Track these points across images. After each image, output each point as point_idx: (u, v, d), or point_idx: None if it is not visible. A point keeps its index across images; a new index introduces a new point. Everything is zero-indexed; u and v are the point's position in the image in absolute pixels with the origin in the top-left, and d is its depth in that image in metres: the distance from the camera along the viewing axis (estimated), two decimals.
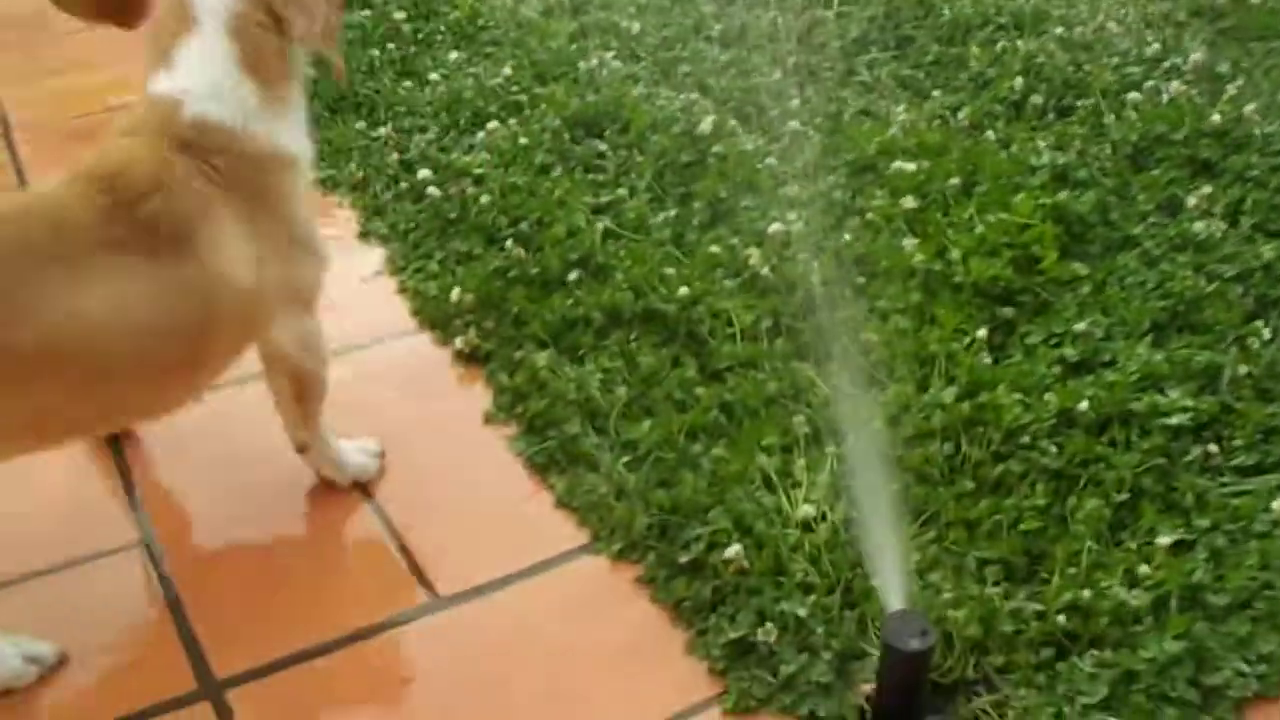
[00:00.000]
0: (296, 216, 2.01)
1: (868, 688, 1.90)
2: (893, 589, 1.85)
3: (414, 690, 1.94)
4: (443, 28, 3.70)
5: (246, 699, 1.92)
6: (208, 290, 1.86)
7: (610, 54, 3.50)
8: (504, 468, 2.33)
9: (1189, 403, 2.30)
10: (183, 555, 2.16)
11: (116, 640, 2.01)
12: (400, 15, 3.74)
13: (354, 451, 2.29)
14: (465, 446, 2.39)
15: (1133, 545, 2.08)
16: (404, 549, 2.17)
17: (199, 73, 1.91)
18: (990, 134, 3.13)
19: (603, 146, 3.13)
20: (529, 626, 2.04)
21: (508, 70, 3.42)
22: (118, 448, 2.37)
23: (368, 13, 3.79)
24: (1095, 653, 1.91)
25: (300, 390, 2.15)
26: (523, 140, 3.10)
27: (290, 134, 1.99)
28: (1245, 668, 1.89)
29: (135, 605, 2.07)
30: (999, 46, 3.50)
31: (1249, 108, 3.13)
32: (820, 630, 1.95)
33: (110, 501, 2.27)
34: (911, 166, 2.94)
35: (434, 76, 3.43)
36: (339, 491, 2.27)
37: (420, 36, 3.67)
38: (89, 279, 1.76)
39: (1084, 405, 2.29)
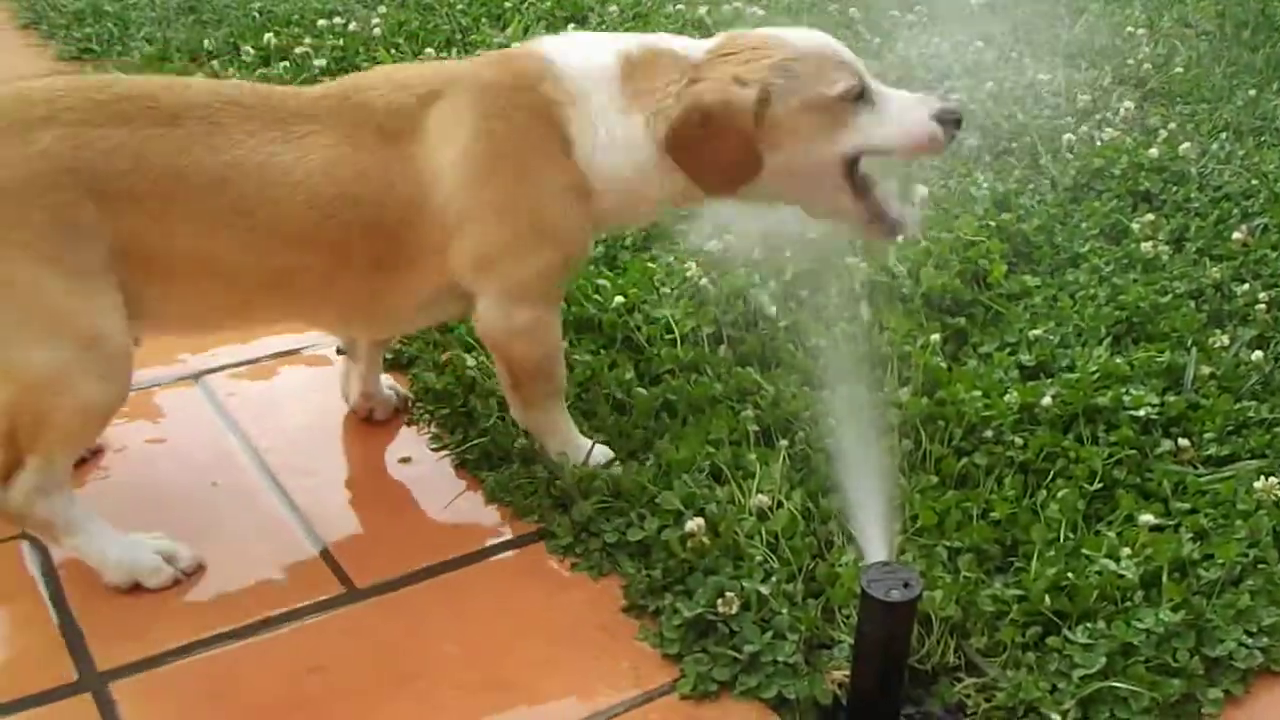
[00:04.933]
0: (549, 209, 1.94)
1: (840, 674, 1.70)
2: (874, 541, 1.67)
3: (324, 680, 1.70)
4: None
5: (132, 690, 1.68)
6: (406, 183, 1.88)
7: None
8: (429, 466, 2.13)
9: (1154, 399, 2.19)
10: None
11: None
12: (320, 65, 3.63)
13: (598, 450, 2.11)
14: (388, 447, 2.19)
15: (1111, 532, 1.93)
16: (319, 543, 1.95)
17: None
18: (928, 171, 3.07)
19: None
20: (458, 618, 1.82)
21: None
22: None
23: (287, 64, 3.68)
24: (1088, 625, 1.74)
25: (512, 374, 2.03)
26: None
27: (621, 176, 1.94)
28: (1248, 640, 1.75)
29: (16, 598, 1.84)
30: None
31: (1184, 146, 3.12)
32: (784, 612, 1.76)
33: None
34: None
35: None
36: (245, 485, 2.06)
37: None
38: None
39: (1047, 400, 2.17)
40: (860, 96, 1.91)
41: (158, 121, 1.78)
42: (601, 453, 2.08)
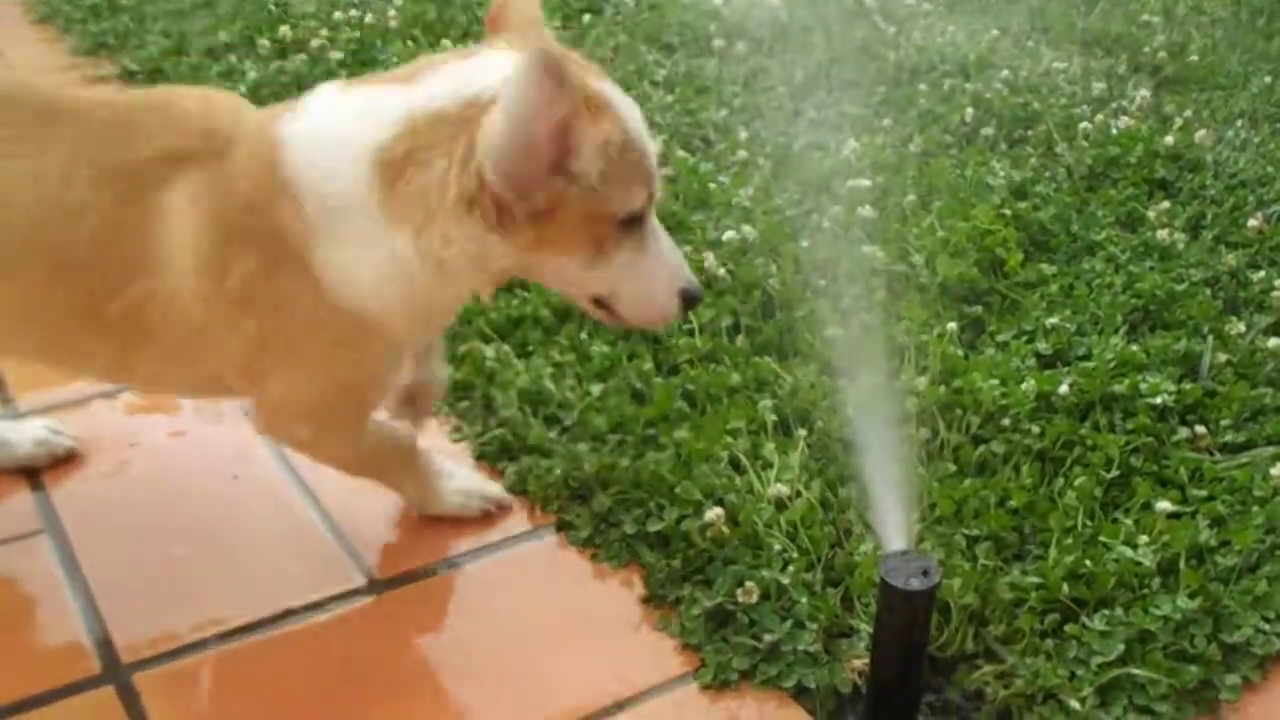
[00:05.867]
0: (311, 344, 1.67)
1: (860, 663, 1.71)
2: (893, 529, 1.68)
3: (346, 672, 1.72)
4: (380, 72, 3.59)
5: (155, 682, 1.70)
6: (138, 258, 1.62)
7: None
8: (449, 459, 2.13)
9: (1171, 387, 2.20)
10: (91, 539, 1.95)
11: (13, 623, 1.80)
12: (336, 57, 3.64)
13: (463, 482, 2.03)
14: None
15: (1128, 519, 1.94)
16: (340, 535, 1.97)
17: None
18: (944, 159, 3.07)
19: None
20: (478, 609, 1.84)
21: None
22: None
23: (303, 57, 3.69)
24: (1106, 612, 1.75)
25: None
26: None
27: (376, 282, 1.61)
28: (1265, 626, 1.75)
29: (38, 591, 1.86)
30: (946, 86, 3.49)
31: (1200, 133, 3.12)
32: (804, 601, 1.78)
33: (12, 486, 2.06)
34: (866, 183, 2.86)
35: None
36: (266, 477, 2.08)
37: None
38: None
39: (1064, 389, 2.18)
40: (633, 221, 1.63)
41: None
42: (464, 485, 2.02)
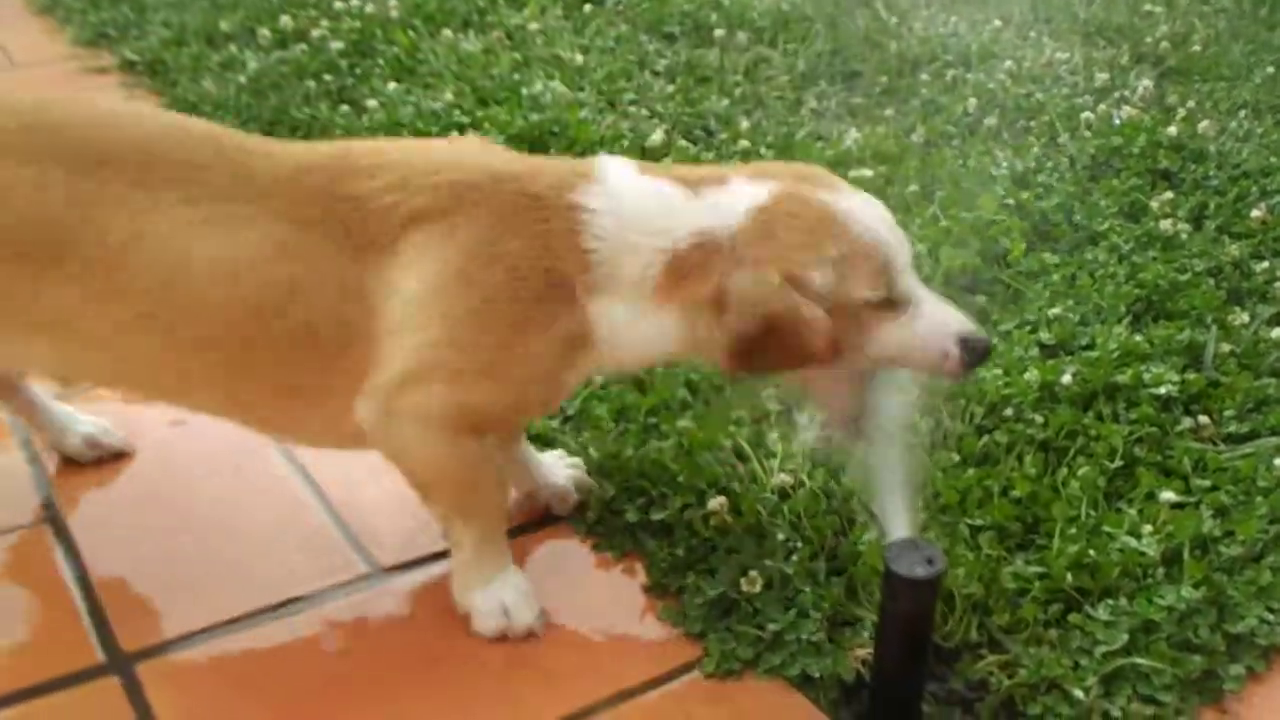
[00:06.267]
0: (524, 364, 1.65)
1: (863, 652, 1.71)
2: (897, 517, 1.67)
3: (350, 661, 1.72)
4: (381, 62, 3.59)
5: (158, 672, 1.70)
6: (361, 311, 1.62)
7: (554, 81, 3.40)
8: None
9: (1174, 377, 2.20)
10: (94, 530, 1.95)
11: (16, 614, 1.79)
12: (337, 47, 3.63)
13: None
14: None
15: (1132, 509, 1.94)
16: (342, 525, 1.97)
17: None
18: (947, 150, 3.07)
19: None
20: None
21: (449, 96, 3.31)
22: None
23: (304, 47, 3.67)
24: (1110, 602, 1.75)
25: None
26: None
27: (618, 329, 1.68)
28: (1270, 616, 1.76)
29: (39, 580, 1.86)
30: (949, 77, 3.49)
31: (1203, 124, 3.11)
32: (807, 590, 1.78)
33: (15, 477, 2.06)
34: (869, 173, 2.86)
35: (372, 104, 3.30)
36: (269, 468, 2.08)
37: (358, 70, 3.55)
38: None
39: (1067, 378, 2.17)
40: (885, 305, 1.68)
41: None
42: (508, 598, 1.78)
